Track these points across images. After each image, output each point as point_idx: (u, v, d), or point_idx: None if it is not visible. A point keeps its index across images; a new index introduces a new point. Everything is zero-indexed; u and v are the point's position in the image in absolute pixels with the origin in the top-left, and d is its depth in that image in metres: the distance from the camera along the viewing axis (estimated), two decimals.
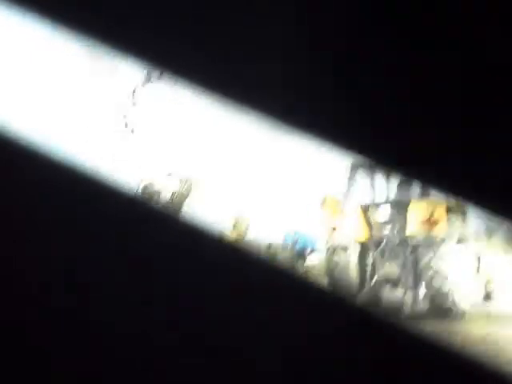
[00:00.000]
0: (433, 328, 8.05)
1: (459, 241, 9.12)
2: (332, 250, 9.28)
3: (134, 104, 14.29)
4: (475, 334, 7.53)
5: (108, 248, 0.50)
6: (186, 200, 14.58)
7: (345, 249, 9.17)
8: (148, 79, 13.91)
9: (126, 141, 14.41)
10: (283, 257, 13.37)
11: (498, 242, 10.43)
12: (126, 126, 14.38)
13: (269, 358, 0.49)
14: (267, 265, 0.53)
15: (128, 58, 0.55)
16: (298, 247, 17.50)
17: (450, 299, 8.59)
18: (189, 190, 14.76)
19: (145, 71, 13.83)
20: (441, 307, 8.56)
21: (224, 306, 0.51)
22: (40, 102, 12.55)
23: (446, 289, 8.55)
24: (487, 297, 10.16)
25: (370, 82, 0.52)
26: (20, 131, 0.50)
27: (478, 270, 10.05)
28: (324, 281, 9.76)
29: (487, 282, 10.10)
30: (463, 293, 9.03)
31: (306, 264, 19.02)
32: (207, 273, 0.51)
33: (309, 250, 22.01)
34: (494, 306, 9.61)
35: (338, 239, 9.22)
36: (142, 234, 0.51)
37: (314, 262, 19.10)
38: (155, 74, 13.73)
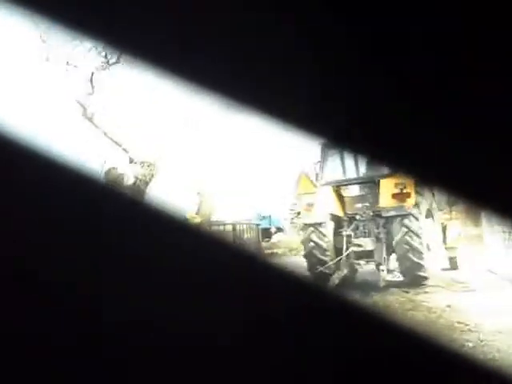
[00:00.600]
0: (403, 297, 8.42)
1: (427, 215, 9.55)
2: (307, 227, 9.54)
3: (91, 92, 14.04)
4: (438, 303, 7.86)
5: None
6: (149, 184, 14.50)
7: (320, 225, 9.45)
8: (105, 64, 13.66)
9: (86, 128, 14.16)
10: (248, 236, 13.52)
11: (459, 213, 10.96)
12: (85, 113, 14.16)
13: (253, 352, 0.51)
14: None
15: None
16: (263, 226, 17.58)
17: (423, 269, 9.01)
18: (151, 175, 14.69)
19: (102, 55, 13.52)
20: (415, 277, 8.96)
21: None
22: None
23: (419, 259, 8.95)
24: (452, 265, 10.69)
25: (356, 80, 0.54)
26: None
27: (444, 241, 10.57)
28: (301, 257, 10.05)
29: (452, 252, 10.63)
30: (433, 263, 9.48)
31: (271, 242, 19.25)
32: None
33: (274, 228, 22.18)
34: (457, 274, 10.09)
35: (313, 216, 9.49)
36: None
37: (280, 239, 19.32)
38: (112, 57, 13.41)
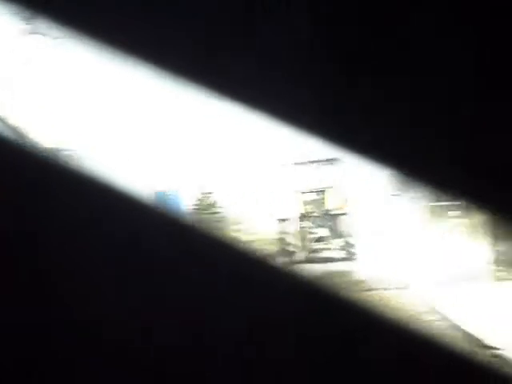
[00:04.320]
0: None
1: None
2: (280, 222, 13.99)
3: None
4: None
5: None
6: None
7: (289, 220, 13.93)
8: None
9: None
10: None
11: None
12: None
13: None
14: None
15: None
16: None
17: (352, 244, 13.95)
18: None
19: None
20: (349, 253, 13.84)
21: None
22: None
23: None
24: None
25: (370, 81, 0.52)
26: None
27: None
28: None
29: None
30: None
31: None
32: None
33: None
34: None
35: (284, 214, 13.95)
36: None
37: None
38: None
